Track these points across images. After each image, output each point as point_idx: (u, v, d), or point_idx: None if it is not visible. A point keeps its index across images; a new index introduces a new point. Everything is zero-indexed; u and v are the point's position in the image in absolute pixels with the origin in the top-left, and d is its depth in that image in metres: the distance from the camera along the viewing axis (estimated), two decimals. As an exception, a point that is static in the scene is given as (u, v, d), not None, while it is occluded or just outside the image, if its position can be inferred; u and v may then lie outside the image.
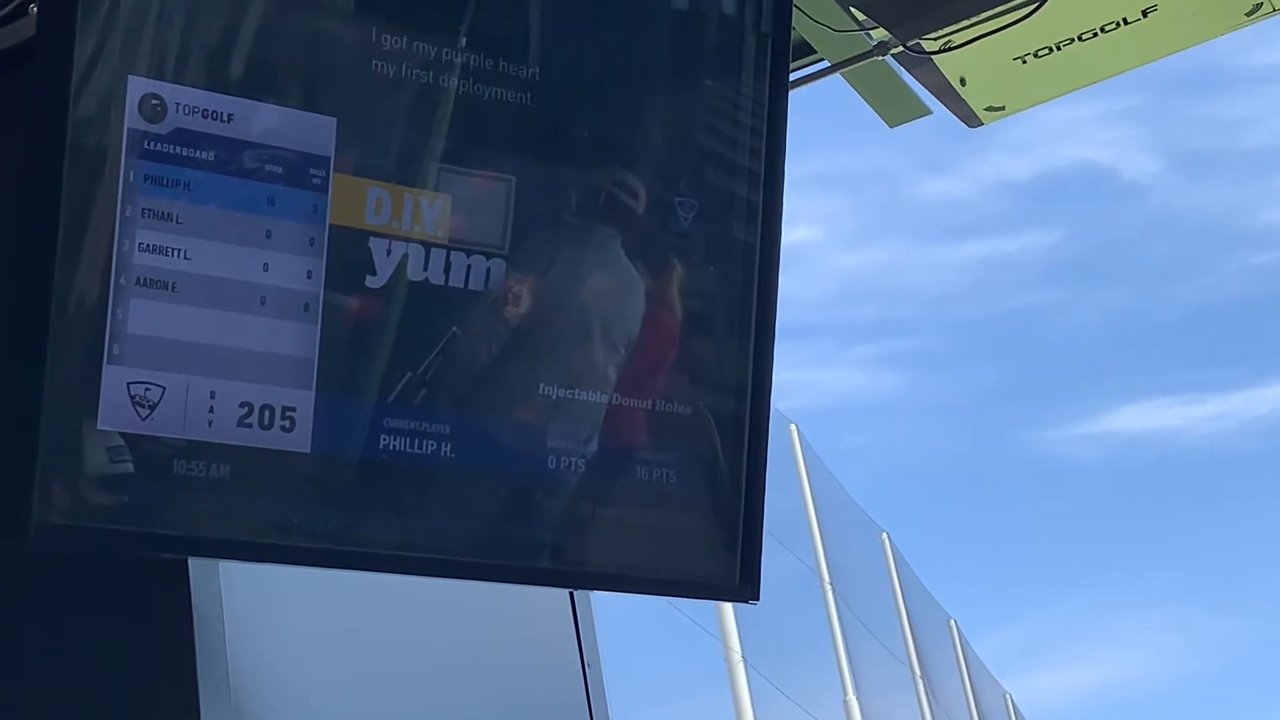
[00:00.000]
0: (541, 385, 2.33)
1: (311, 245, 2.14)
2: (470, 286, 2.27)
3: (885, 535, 25.86)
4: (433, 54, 2.27)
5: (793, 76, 2.86)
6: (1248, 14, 3.50)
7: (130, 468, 2.02)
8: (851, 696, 21.38)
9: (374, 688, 2.67)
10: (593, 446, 2.37)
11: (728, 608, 17.90)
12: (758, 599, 2.25)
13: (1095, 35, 3.45)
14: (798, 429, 22.30)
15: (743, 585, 2.24)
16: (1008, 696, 32.70)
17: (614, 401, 2.40)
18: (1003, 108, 3.66)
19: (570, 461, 2.35)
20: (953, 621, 29.14)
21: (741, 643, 18.09)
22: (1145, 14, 3.41)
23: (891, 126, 4.11)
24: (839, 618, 21.91)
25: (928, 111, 4.00)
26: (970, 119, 3.73)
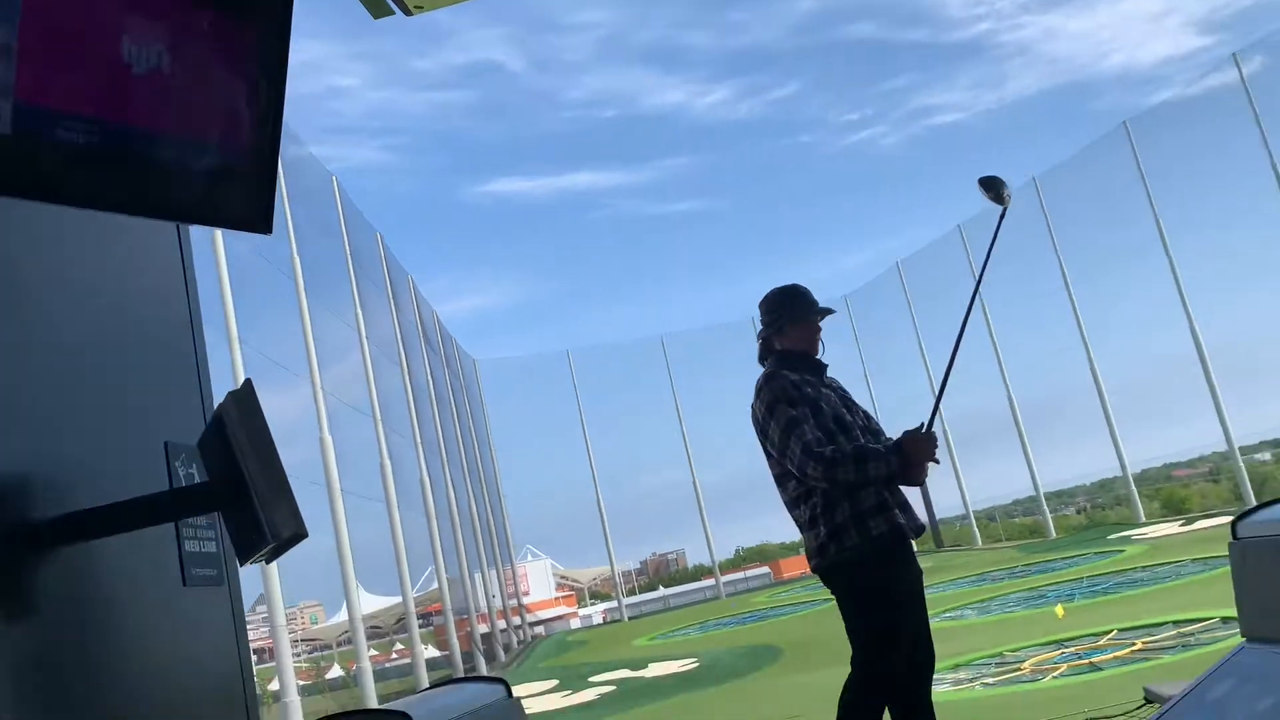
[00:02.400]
0: (150, 111, 2.00)
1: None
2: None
3: (379, 235, 25.22)
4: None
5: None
6: None
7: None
8: (359, 313, 21.06)
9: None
10: (183, 143, 2.06)
11: (298, 258, 17.17)
12: (270, 232, 2.04)
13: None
14: (337, 178, 21.41)
15: (262, 225, 2.03)
16: (435, 315, 32.70)
17: (198, 124, 2.10)
18: (422, 8, 3.44)
19: (177, 153, 2.05)
20: (410, 277, 28.84)
21: (304, 279, 17.41)
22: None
23: (375, 19, 3.81)
24: (354, 272, 21.41)
25: (391, 12, 3.71)
26: (408, 13, 3.49)
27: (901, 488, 3.76)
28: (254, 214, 2.03)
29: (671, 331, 42.18)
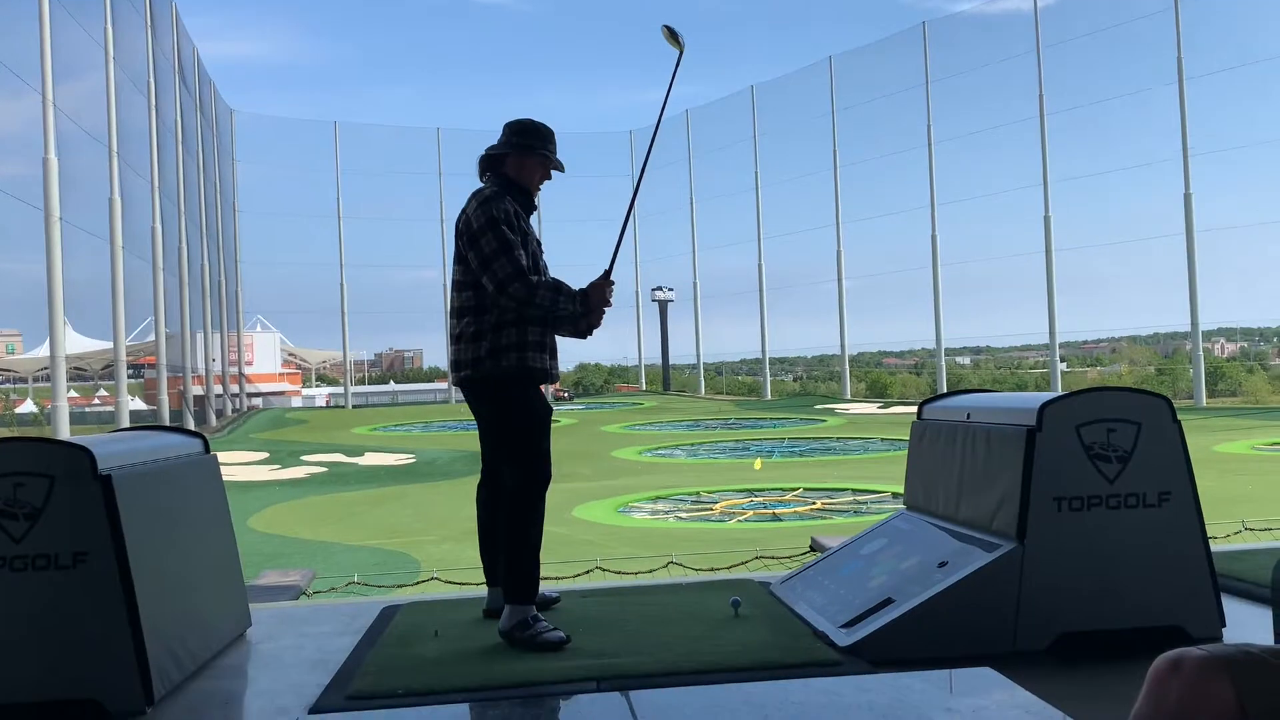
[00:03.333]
0: None
1: None
2: None
3: (145, -53, 22.51)
4: None
5: None
6: None
7: None
8: (109, 28, 18.91)
9: None
10: None
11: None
12: None
13: None
14: None
15: None
16: (195, 51, 29.89)
17: None
18: None
19: None
20: (174, 2, 26.11)
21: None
22: None
23: None
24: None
25: None
26: None
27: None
28: None
29: (450, 126, 40.77)
